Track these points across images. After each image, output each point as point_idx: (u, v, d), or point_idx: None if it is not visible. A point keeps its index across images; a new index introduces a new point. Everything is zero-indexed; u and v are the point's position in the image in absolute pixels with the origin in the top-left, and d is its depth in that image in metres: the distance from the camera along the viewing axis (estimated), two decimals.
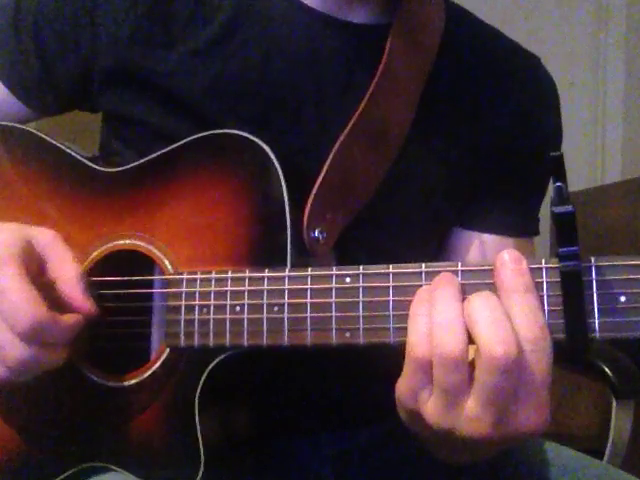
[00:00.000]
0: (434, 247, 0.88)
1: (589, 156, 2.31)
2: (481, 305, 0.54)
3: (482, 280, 0.57)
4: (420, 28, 0.81)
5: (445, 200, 0.84)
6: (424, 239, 0.85)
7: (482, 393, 0.53)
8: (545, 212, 0.91)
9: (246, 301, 0.64)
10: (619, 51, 2.30)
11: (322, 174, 0.72)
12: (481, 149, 0.83)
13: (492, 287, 0.56)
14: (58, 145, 0.79)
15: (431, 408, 0.56)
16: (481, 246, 0.87)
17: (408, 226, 0.83)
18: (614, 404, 1.22)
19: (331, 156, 0.73)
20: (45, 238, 0.68)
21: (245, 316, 0.64)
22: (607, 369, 1.20)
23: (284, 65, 0.79)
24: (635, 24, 2.29)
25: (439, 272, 0.58)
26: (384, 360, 0.68)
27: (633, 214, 1.82)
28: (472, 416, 0.54)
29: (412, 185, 0.81)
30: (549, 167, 0.88)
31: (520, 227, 0.88)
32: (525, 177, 0.87)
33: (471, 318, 0.54)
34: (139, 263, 0.72)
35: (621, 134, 2.29)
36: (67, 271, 0.67)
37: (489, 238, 0.87)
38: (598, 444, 1.23)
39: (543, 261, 0.55)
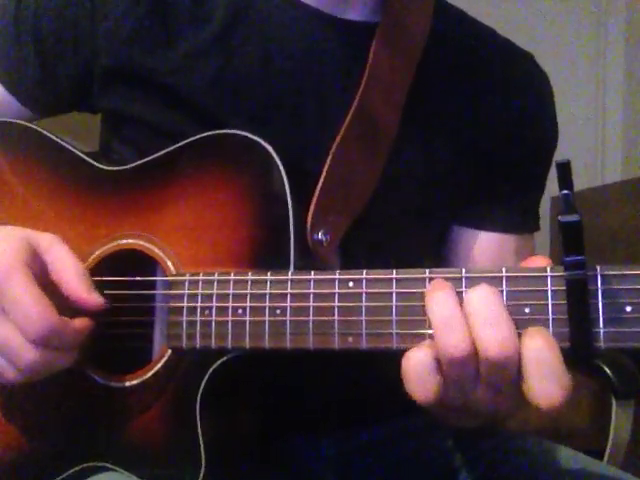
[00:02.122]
0: (434, 245, 0.88)
1: (589, 156, 2.31)
2: (476, 302, 0.54)
3: None
4: (404, 28, 0.81)
5: (443, 198, 0.84)
6: (424, 238, 0.85)
7: (488, 382, 0.54)
8: (545, 210, 0.92)
9: (248, 303, 0.64)
10: (619, 51, 2.29)
11: (323, 175, 0.72)
12: (478, 147, 0.84)
13: None
14: (60, 142, 0.79)
15: (441, 394, 0.56)
16: (483, 244, 0.87)
17: (408, 225, 0.83)
18: (614, 404, 1.22)
19: (330, 156, 0.73)
20: (45, 242, 0.68)
21: (247, 318, 0.64)
22: (607, 369, 1.20)
23: (283, 62, 0.79)
24: (635, 24, 2.29)
25: (442, 278, 0.58)
26: (385, 362, 0.68)
27: (633, 214, 1.82)
28: (483, 398, 0.55)
29: (409, 184, 0.81)
30: (549, 165, 0.89)
31: (521, 224, 0.89)
32: (524, 173, 0.88)
33: (467, 317, 0.54)
34: (141, 263, 0.72)
35: (621, 134, 2.28)
36: (68, 272, 0.67)
37: (490, 236, 0.87)
38: (598, 444, 1.23)
39: (548, 269, 0.55)
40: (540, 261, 0.57)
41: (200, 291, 0.67)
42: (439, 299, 0.55)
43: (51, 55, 0.82)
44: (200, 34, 0.79)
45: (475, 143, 0.84)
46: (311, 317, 0.62)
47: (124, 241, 0.73)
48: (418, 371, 0.55)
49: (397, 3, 0.81)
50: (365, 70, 0.77)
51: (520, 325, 0.54)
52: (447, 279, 0.57)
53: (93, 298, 0.67)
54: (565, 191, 0.52)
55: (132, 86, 0.80)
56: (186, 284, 0.68)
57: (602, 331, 0.53)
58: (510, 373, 0.53)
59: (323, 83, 0.79)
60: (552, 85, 0.90)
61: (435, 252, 0.89)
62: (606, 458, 1.22)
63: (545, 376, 0.52)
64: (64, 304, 0.66)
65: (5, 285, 0.62)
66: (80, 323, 0.66)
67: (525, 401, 0.54)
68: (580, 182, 2.15)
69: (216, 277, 0.66)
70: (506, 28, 0.91)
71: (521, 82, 0.87)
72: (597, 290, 0.53)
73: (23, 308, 0.61)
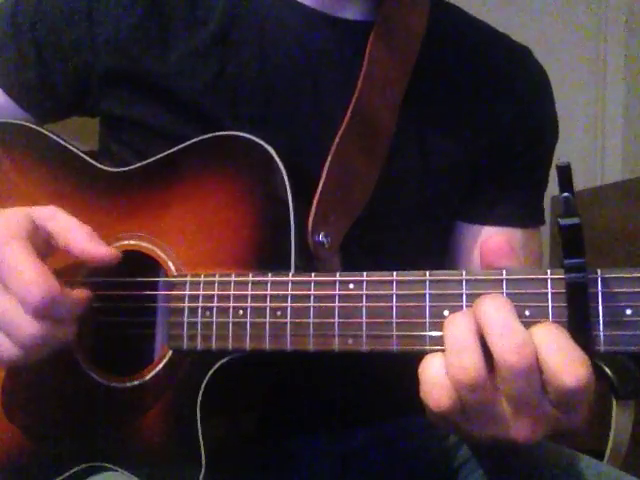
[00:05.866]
0: (438, 244, 0.88)
1: (589, 156, 2.31)
2: (491, 311, 0.53)
3: (488, 290, 0.56)
4: (400, 25, 0.81)
5: (443, 195, 0.84)
6: (426, 236, 0.85)
7: (510, 400, 0.53)
8: (545, 210, 0.92)
9: (249, 304, 0.64)
10: (619, 51, 2.30)
11: (323, 176, 0.72)
12: (478, 142, 0.84)
13: None
14: (62, 142, 0.79)
15: (463, 423, 0.56)
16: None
17: (408, 224, 0.83)
18: (614, 404, 1.22)
19: (330, 157, 0.73)
20: (46, 213, 0.67)
21: (248, 320, 0.64)
22: (607, 369, 1.20)
23: (280, 63, 0.79)
24: (635, 24, 2.29)
25: (443, 280, 0.58)
26: (385, 362, 0.68)
27: (633, 214, 1.82)
28: (508, 421, 0.54)
29: (408, 182, 0.82)
30: (551, 157, 0.89)
31: (524, 217, 0.89)
32: (526, 167, 0.88)
33: (481, 327, 0.53)
34: (143, 264, 0.72)
35: (621, 134, 2.28)
36: (75, 233, 0.66)
37: (496, 231, 0.87)
38: (598, 444, 1.23)
39: (549, 272, 0.55)
40: (494, 241, 0.57)
41: (201, 292, 0.67)
42: (456, 320, 0.54)
43: (49, 57, 0.81)
44: (197, 36, 0.79)
45: (474, 139, 0.84)
46: (311, 319, 0.62)
47: (126, 242, 0.73)
48: (431, 381, 0.54)
49: (392, 1, 0.82)
50: (362, 69, 0.78)
51: None
52: (447, 281, 0.57)
53: (105, 251, 0.66)
54: (565, 194, 0.52)
55: (130, 89, 0.80)
56: (187, 285, 0.68)
57: (602, 334, 0.53)
58: (533, 379, 0.52)
59: (320, 83, 0.80)
60: (552, 85, 0.90)
61: (440, 250, 0.89)
62: (606, 458, 1.22)
63: (559, 353, 0.51)
64: (65, 275, 0.66)
65: (3, 255, 0.61)
66: (79, 293, 0.65)
67: (553, 388, 0.52)
68: (580, 182, 2.15)
69: (217, 278, 0.66)
70: (506, 28, 0.91)
71: (519, 76, 0.87)
72: (597, 293, 0.53)
73: (22, 277, 0.60)
